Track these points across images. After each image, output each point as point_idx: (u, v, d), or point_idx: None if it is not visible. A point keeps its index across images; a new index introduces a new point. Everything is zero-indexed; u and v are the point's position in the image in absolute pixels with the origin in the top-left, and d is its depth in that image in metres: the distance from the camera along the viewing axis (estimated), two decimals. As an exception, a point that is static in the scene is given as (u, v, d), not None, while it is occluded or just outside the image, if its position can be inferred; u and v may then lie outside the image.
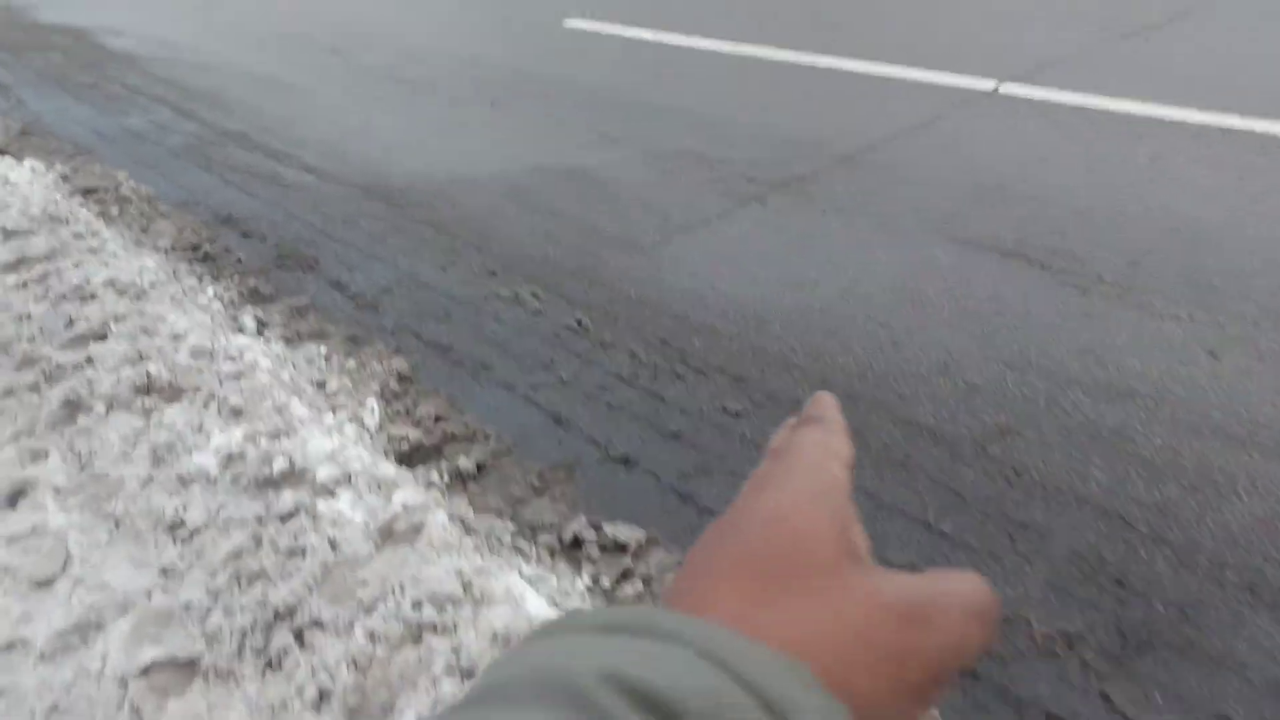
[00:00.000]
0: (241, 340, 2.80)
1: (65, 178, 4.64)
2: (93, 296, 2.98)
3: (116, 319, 2.86)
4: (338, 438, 2.35)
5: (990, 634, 0.34)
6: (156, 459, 2.22)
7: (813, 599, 0.31)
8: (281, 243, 3.86)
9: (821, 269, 3.27)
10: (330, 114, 5.44)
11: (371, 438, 2.51)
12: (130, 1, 9.65)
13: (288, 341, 3.07)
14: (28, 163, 4.72)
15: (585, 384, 2.80)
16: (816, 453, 0.39)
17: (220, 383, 2.53)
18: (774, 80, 5.37)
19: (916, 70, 4.98)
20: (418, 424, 2.63)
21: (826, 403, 0.44)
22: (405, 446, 2.52)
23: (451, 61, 6.32)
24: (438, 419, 2.67)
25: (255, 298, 3.38)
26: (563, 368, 2.89)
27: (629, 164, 4.36)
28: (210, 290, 3.36)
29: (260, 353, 2.78)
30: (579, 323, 3.13)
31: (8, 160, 4.75)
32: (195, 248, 3.80)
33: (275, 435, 2.31)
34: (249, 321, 3.10)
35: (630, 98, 5.30)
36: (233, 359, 2.67)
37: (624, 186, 4.13)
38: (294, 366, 2.82)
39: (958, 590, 0.33)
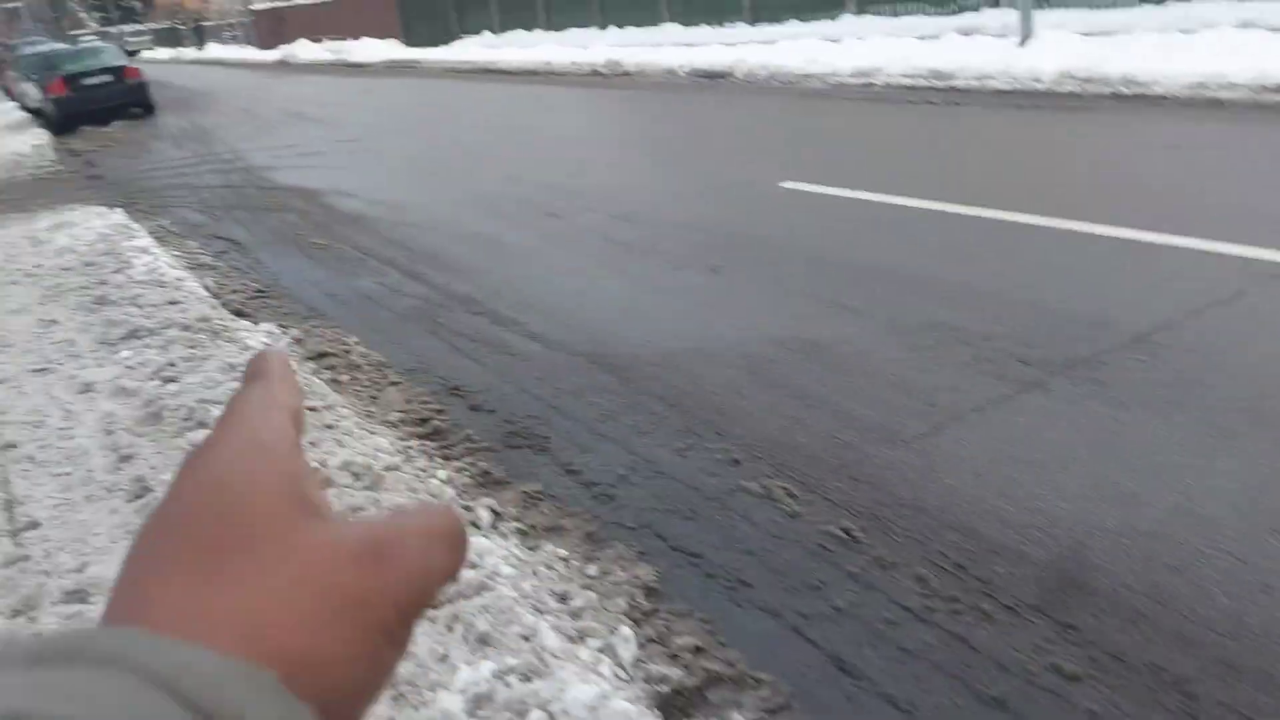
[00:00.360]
0: (481, 542, 2.53)
1: (299, 341, 4.69)
2: (329, 482, 2.81)
3: (354, 512, 2.65)
4: (595, 681, 2.00)
5: (459, 558, 0.32)
6: (397, 696, 1.93)
7: (265, 565, 0.29)
8: (511, 418, 3.66)
9: (1142, 478, 2.75)
10: (552, 277, 5.38)
11: (629, 675, 2.15)
12: (358, 165, 10.31)
13: (524, 537, 2.80)
14: (263, 327, 4.81)
15: (867, 616, 2.36)
16: (256, 408, 0.35)
17: (463, 598, 2.24)
18: (1021, 246, 4.94)
19: (1201, 240, 4.44)
20: (675, 657, 2.26)
21: (269, 358, 0.38)
22: (666, 688, 2.14)
23: (668, 224, 6.23)
24: (697, 650, 2.29)
25: (488, 482, 3.15)
26: (835, 592, 2.47)
27: (873, 337, 3.99)
28: (443, 474, 3.16)
29: (500, 557, 2.50)
30: (846, 532, 2.71)
31: (245, 324, 4.86)
32: (424, 421, 3.66)
33: (528, 675, 1.98)
34: (484, 514, 2.85)
35: (861, 262, 4.99)
36: (474, 565, 2.40)
37: (872, 363, 3.75)
38: (534, 574, 2.53)
39: (417, 520, 0.31)
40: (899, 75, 9.93)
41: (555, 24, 22.18)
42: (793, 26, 15.69)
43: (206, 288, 5.80)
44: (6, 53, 28.86)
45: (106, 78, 18.36)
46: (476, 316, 4.84)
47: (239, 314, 5.23)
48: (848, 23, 14.68)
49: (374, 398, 3.93)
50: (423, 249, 6.34)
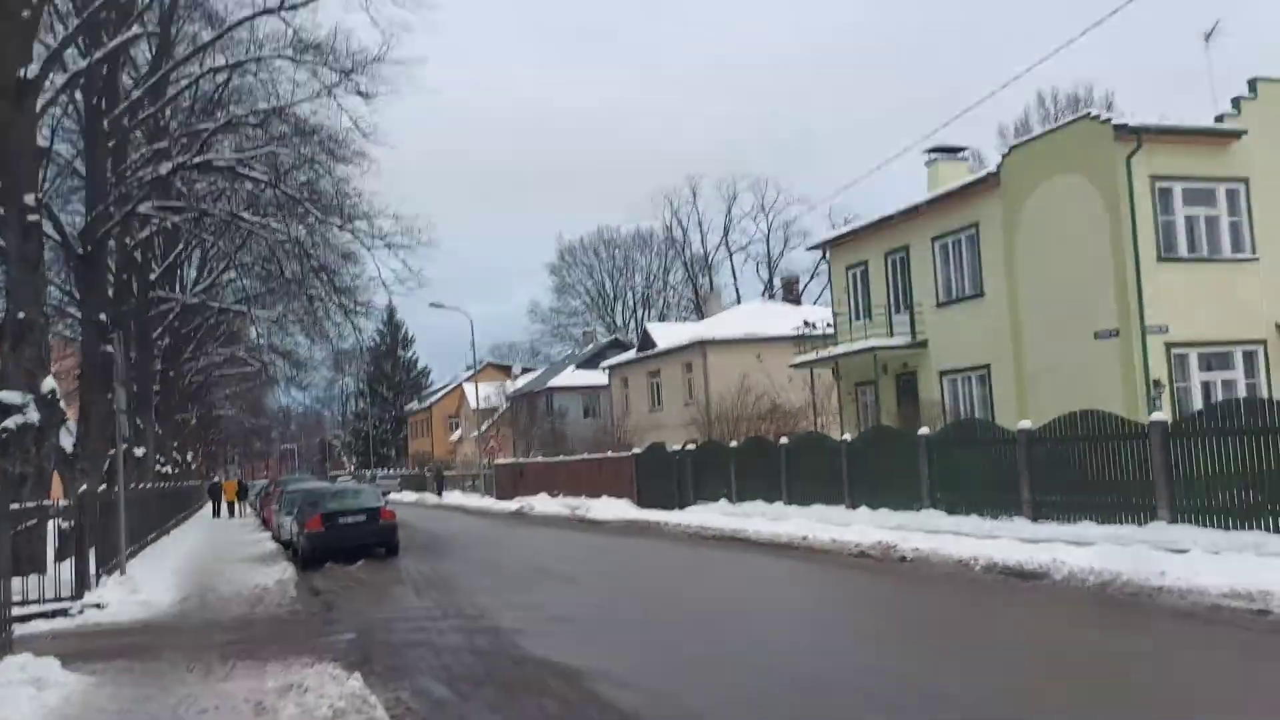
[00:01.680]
0: None
1: None
2: None
3: None
4: None
5: None
6: None
7: None
8: None
9: None
10: None
11: None
12: (618, 638, 9.00)
13: None
14: None
15: None
16: None
17: None
18: None
19: None
20: None
21: None
22: None
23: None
24: None
25: None
26: None
27: None
28: None
29: None
30: None
31: None
32: None
33: None
34: None
35: None
36: None
37: None
38: None
39: None
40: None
41: (798, 497, 21.55)
42: (1085, 528, 14.01)
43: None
44: (276, 489, 31.25)
45: (361, 518, 18.77)
46: None
47: None
48: (1159, 530, 12.87)
49: None
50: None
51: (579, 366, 54.29)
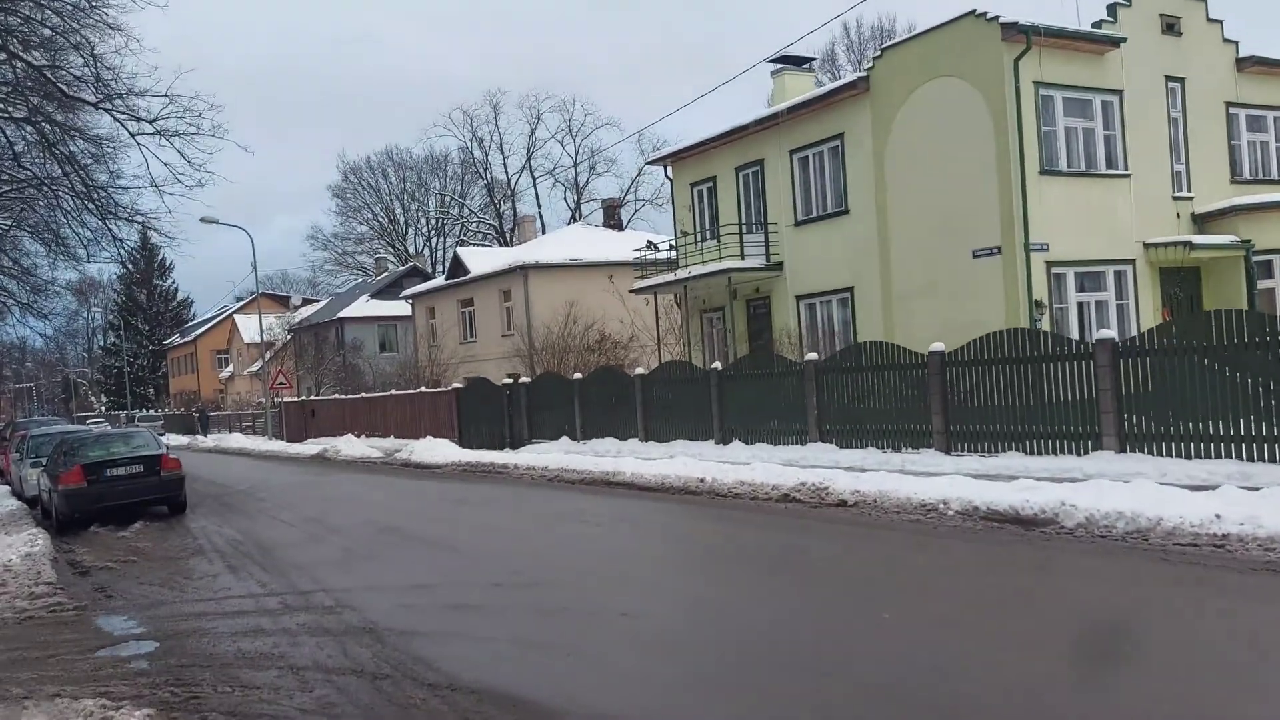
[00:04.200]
0: None
1: None
2: None
3: None
4: None
5: None
6: None
7: None
8: None
9: None
10: None
11: None
12: (566, 637, 6.44)
13: None
14: None
15: None
16: None
17: None
18: None
19: None
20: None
21: None
22: None
23: None
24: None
25: None
26: None
27: None
28: None
29: None
30: None
31: None
32: None
33: None
34: None
35: None
36: None
37: None
38: None
39: None
40: None
41: (658, 433, 19.45)
42: (1017, 459, 12.69)
43: None
44: (15, 434, 25.87)
45: (136, 468, 14.96)
46: None
47: None
48: (1106, 460, 11.65)
49: None
50: None
51: (373, 296, 49.76)
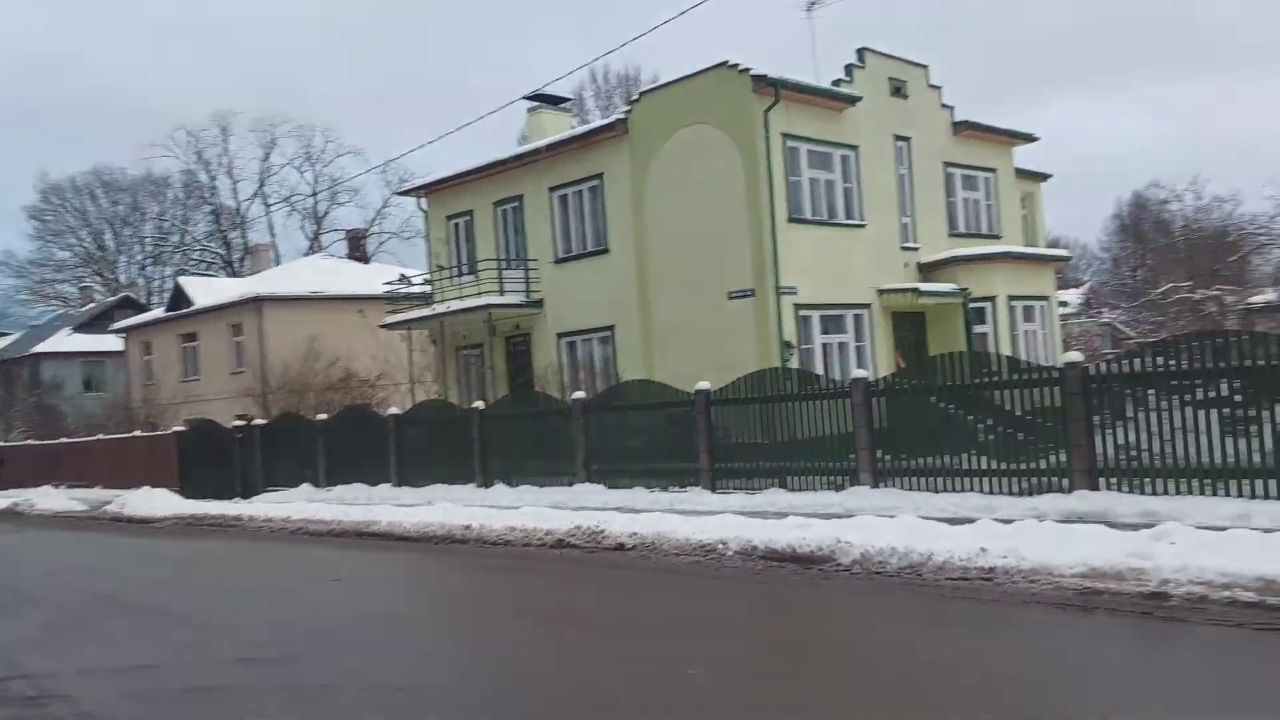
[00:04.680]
0: None
1: None
2: None
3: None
4: None
5: None
6: None
7: None
8: None
9: None
10: None
11: None
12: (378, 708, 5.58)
13: None
14: None
15: None
16: None
17: None
18: None
19: None
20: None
21: None
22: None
23: None
24: None
25: None
26: None
27: None
28: None
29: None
30: None
31: None
32: None
33: None
34: None
35: None
36: None
37: None
38: None
39: None
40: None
41: (414, 477, 18.39)
42: (780, 496, 12.94)
43: None
44: None
45: None
46: None
47: None
48: (863, 495, 12.10)
49: None
50: None
51: (77, 329, 44.58)
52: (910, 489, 11.98)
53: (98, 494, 23.90)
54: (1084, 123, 74.15)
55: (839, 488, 12.50)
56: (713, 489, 13.77)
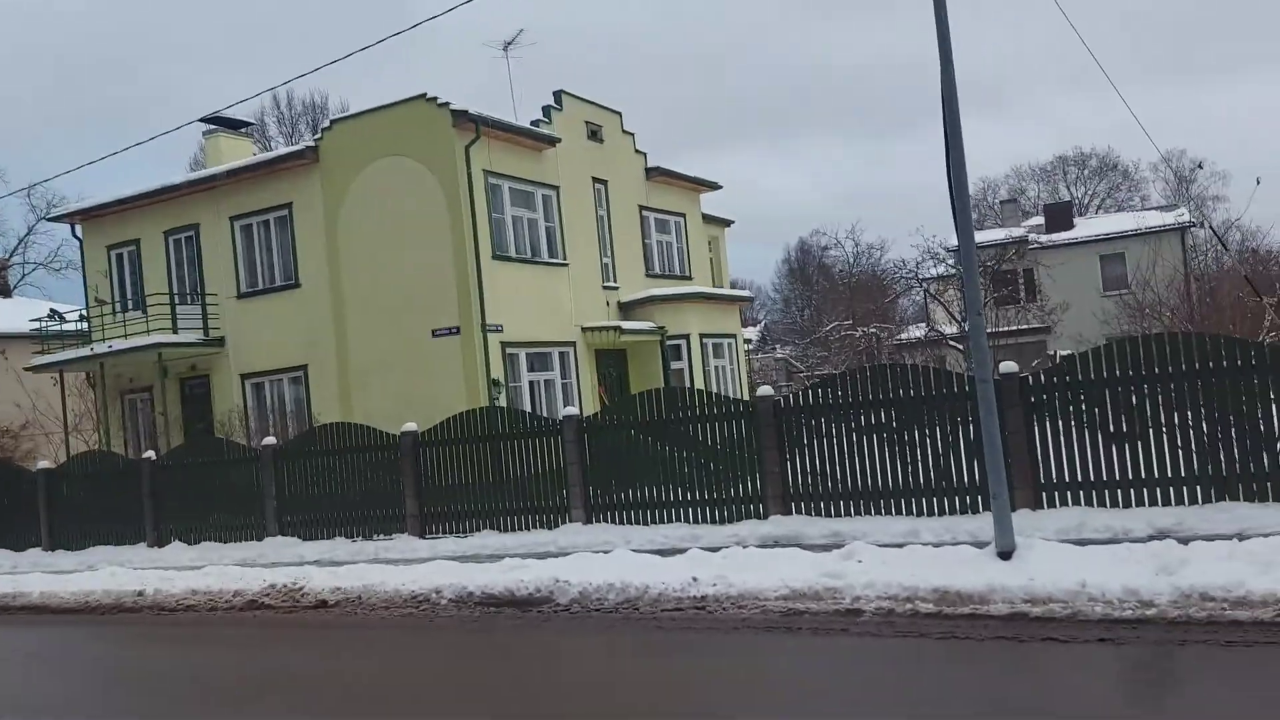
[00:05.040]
0: None
1: None
2: None
3: None
4: None
5: None
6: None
7: None
8: None
9: None
10: None
11: None
12: None
13: None
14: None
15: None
16: None
17: None
18: None
19: None
20: None
21: None
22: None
23: None
24: None
25: None
26: None
27: None
28: None
29: None
30: None
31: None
32: None
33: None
34: None
35: None
36: None
37: None
38: None
39: None
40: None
41: (68, 539, 16.13)
42: (496, 538, 12.68)
43: None
44: None
45: None
46: None
47: None
48: (575, 532, 12.13)
49: None
50: None
51: None
52: (621, 522, 12.18)
53: None
54: (761, 172, 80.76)
55: (551, 525, 12.46)
56: (422, 535, 13.25)
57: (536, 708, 6.00)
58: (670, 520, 11.98)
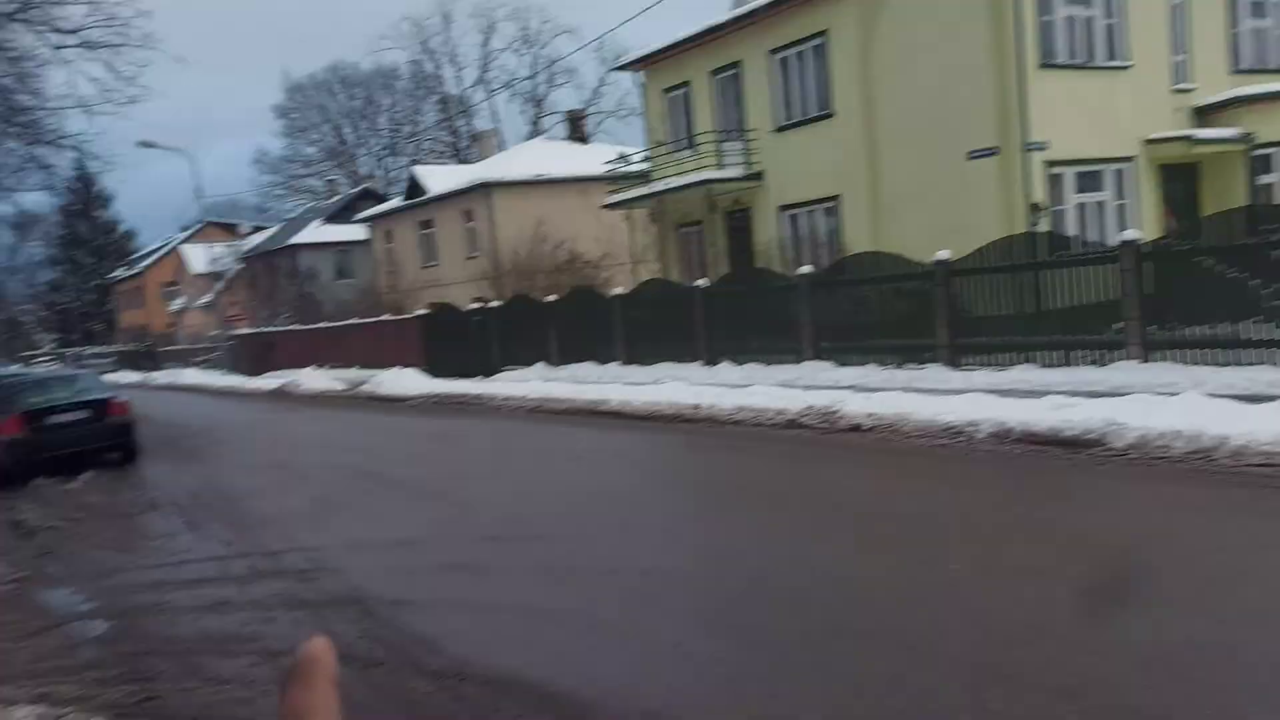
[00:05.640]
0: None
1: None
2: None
3: None
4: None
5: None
6: None
7: None
8: None
9: None
10: None
11: None
12: (607, 618, 5.59)
13: None
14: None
15: None
16: None
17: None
18: None
19: None
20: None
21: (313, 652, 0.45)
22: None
23: None
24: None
25: None
26: None
27: None
28: None
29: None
30: None
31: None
32: None
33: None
34: None
35: None
36: None
37: None
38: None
39: None
40: None
41: (641, 355, 18.53)
42: (1029, 372, 11.93)
43: None
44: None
45: (82, 413, 13.80)
46: None
47: None
48: (1130, 370, 10.92)
49: None
50: None
51: (327, 220, 47.76)
52: (1187, 363, 10.68)
53: (354, 374, 25.83)
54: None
55: (1100, 363, 11.35)
56: (954, 365, 12.91)
57: (1094, 560, 5.55)
58: (1253, 363, 10.21)
